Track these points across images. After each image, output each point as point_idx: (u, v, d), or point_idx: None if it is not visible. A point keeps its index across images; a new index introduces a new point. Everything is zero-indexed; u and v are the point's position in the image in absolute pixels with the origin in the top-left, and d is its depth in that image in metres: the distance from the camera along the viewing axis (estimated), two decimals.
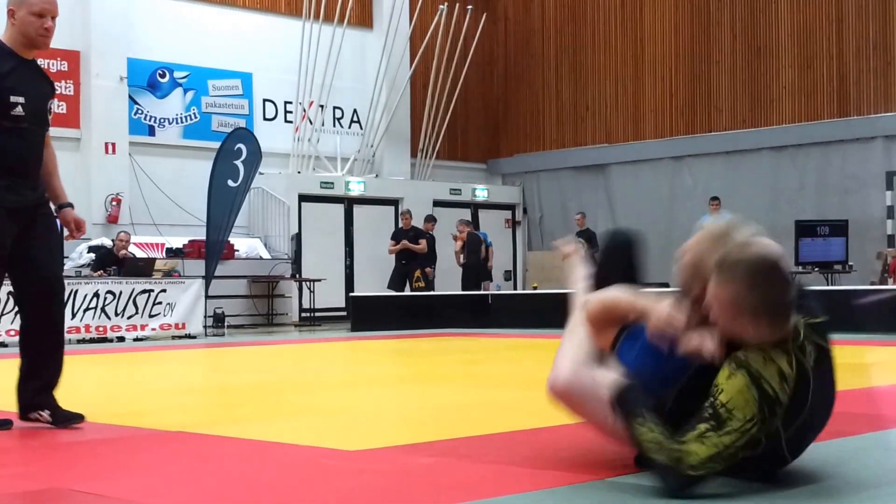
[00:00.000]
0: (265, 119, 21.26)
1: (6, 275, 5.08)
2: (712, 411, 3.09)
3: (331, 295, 20.17)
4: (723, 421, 3.06)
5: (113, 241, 16.04)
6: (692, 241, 3.42)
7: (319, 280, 19.60)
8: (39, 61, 5.31)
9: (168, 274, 15.73)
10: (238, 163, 16.92)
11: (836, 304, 14.88)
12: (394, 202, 22.03)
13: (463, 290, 19.00)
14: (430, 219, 19.75)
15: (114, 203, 18.44)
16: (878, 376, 8.23)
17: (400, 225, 20.10)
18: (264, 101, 21.23)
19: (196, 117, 20.12)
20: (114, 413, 5.80)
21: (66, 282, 15.57)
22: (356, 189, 21.41)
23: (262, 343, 14.19)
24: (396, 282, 18.88)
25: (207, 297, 15.80)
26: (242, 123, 20.00)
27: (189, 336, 15.06)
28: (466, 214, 22.92)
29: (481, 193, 23.58)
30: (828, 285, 17.69)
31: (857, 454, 4.05)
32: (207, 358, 11.92)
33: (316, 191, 20.88)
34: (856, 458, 3.94)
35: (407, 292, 18.62)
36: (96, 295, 14.29)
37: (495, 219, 23.84)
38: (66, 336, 13.82)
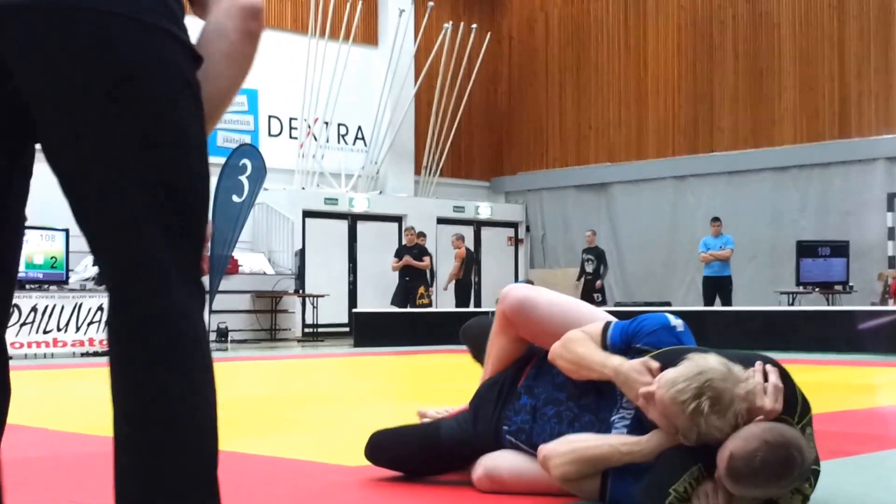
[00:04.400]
0: (270, 135, 21.34)
1: None
2: None
3: (334, 311, 20.16)
4: None
5: None
6: (661, 397, 3.05)
7: (323, 296, 19.57)
8: None
9: None
10: (243, 178, 16.96)
11: (837, 324, 14.96)
12: (397, 219, 22.06)
13: (459, 307, 19.08)
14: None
15: None
16: (882, 397, 8.24)
17: (404, 241, 20.14)
18: (269, 117, 21.32)
19: None
20: None
21: (70, 295, 15.38)
22: (360, 205, 21.44)
23: (264, 358, 14.16)
24: (400, 299, 18.91)
25: (211, 311, 15.83)
26: (247, 139, 20.05)
27: None
28: (469, 232, 22.98)
29: (484, 211, 23.61)
30: (828, 306, 17.72)
31: (860, 474, 4.08)
32: None
33: (320, 207, 20.92)
34: (859, 478, 3.96)
35: (410, 309, 18.64)
36: (100, 308, 14.30)
37: (498, 237, 23.87)
38: (71, 349, 14.01)
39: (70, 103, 1.90)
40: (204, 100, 2.07)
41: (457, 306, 19.13)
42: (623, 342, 3.38)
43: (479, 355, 4.08)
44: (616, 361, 3.27)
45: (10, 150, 1.97)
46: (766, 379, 3.10)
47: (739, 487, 2.92)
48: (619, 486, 3.19)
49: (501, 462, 3.52)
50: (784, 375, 3.16)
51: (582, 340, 3.39)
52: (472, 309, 18.92)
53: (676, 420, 3.01)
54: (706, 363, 3.02)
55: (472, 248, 20.12)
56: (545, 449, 3.32)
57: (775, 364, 3.20)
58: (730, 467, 2.89)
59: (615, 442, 3.23)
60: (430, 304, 19.07)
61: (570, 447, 3.26)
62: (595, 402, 3.40)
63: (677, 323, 3.43)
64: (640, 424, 3.25)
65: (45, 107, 1.92)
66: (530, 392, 3.56)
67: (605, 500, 3.24)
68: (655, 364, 3.18)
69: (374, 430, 3.89)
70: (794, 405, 3.12)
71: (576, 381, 3.45)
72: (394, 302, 19.01)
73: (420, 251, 19.05)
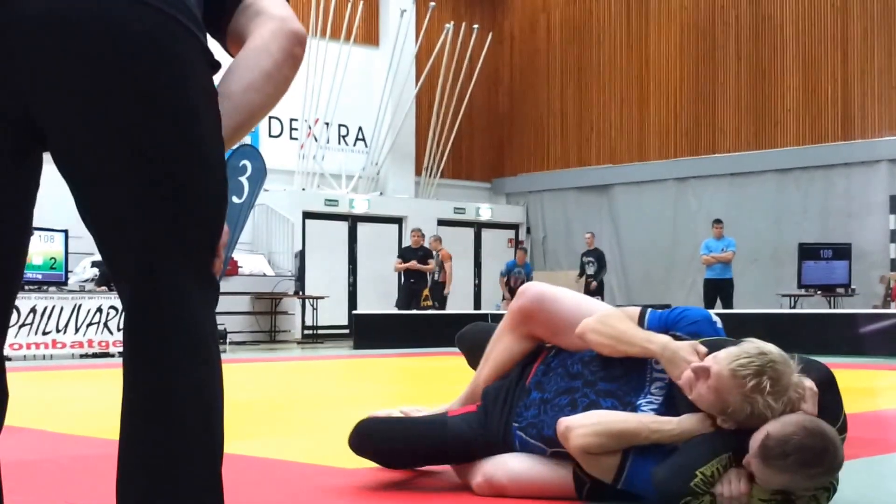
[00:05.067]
0: (270, 136, 21.33)
1: None
2: None
3: (334, 312, 20.18)
4: None
5: None
6: (719, 370, 3.04)
7: (323, 297, 19.60)
8: None
9: None
10: (243, 179, 16.81)
11: (839, 327, 14.94)
12: (398, 220, 22.07)
13: (449, 309, 19.11)
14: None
15: None
16: (883, 401, 8.23)
17: (408, 243, 20.10)
18: (270, 118, 21.29)
19: None
20: (115, 428, 5.76)
21: (69, 296, 15.39)
22: (360, 207, 21.45)
23: (264, 360, 14.18)
24: (404, 302, 18.86)
25: None
26: (248, 140, 20.03)
27: None
28: (470, 234, 22.99)
29: (485, 212, 23.61)
30: (830, 309, 17.70)
31: (861, 477, 4.05)
32: None
33: (320, 208, 20.92)
34: (860, 482, 3.93)
35: (410, 311, 18.59)
36: (99, 310, 14.32)
37: (499, 238, 23.86)
38: (70, 350, 14.00)
39: (75, 103, 1.83)
40: (234, 111, 2.06)
41: (436, 309, 19.14)
42: (660, 328, 3.39)
43: (474, 362, 4.06)
44: (663, 339, 3.27)
45: (14, 149, 1.90)
46: None
47: (767, 470, 2.92)
48: (638, 465, 3.14)
49: (501, 467, 3.49)
50: (832, 387, 3.18)
51: (621, 317, 3.42)
52: (470, 311, 18.90)
53: (730, 395, 3.00)
54: (766, 346, 3.06)
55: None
56: (567, 420, 3.25)
57: (826, 371, 3.22)
58: (763, 446, 2.89)
59: (645, 419, 3.19)
60: (433, 307, 19.04)
61: (597, 419, 3.21)
62: (617, 387, 3.36)
63: (717, 320, 3.47)
64: (668, 410, 3.23)
65: (49, 105, 1.85)
66: (540, 387, 3.54)
67: (620, 480, 3.19)
68: (704, 348, 3.18)
69: (361, 419, 3.84)
70: (838, 416, 3.14)
71: (593, 369, 3.43)
72: (398, 305, 18.96)
73: (425, 253, 19.01)
